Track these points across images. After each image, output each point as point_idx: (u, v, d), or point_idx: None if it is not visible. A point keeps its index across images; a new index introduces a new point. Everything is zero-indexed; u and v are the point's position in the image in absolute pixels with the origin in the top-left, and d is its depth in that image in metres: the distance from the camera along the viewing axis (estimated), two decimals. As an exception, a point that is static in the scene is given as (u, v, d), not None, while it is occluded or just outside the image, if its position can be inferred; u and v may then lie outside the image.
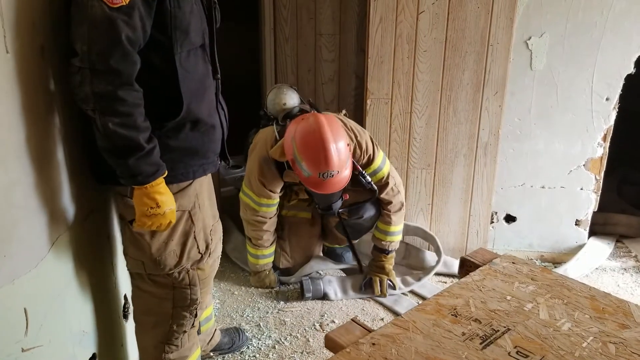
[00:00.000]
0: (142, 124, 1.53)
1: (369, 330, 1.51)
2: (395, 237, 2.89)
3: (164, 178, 1.63)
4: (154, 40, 1.55)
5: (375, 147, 2.69)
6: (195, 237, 1.82)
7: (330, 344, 1.51)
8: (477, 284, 1.72)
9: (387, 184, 2.74)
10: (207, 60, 1.75)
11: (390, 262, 2.92)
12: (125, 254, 1.86)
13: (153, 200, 1.59)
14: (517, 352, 1.41)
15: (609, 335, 1.49)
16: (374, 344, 1.44)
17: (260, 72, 4.58)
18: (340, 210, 2.77)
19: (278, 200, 2.81)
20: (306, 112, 2.67)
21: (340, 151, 2.32)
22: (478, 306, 1.60)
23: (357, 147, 2.62)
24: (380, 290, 2.88)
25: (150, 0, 1.49)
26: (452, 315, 1.56)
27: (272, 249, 2.97)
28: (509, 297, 1.65)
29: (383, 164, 2.72)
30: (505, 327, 1.51)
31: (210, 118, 1.76)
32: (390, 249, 2.90)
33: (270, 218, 2.84)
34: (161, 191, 1.61)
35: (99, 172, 1.71)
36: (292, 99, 2.87)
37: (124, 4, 1.42)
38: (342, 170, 2.36)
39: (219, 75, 1.84)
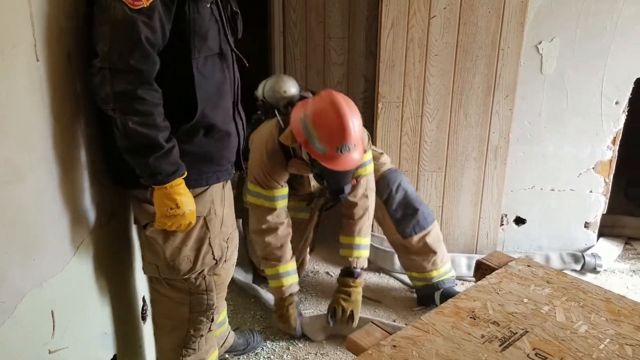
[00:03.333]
0: (161, 123, 1.55)
1: (389, 333, 1.54)
2: (362, 251, 2.64)
3: None
4: (172, 45, 1.56)
5: (369, 143, 2.62)
6: (210, 243, 1.83)
7: (352, 346, 1.53)
8: (494, 287, 1.75)
9: (358, 182, 2.57)
10: (225, 68, 1.75)
11: (358, 290, 2.62)
12: (142, 257, 1.88)
13: (173, 201, 1.61)
14: (535, 354, 1.44)
15: (625, 338, 1.51)
16: (394, 346, 1.47)
17: (269, 74, 4.61)
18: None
19: (287, 192, 2.58)
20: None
21: (356, 125, 2.21)
22: (496, 309, 1.63)
23: None
24: (342, 322, 2.56)
25: (170, 4, 1.52)
26: (470, 317, 1.59)
27: (294, 264, 2.63)
28: (525, 300, 1.67)
29: (369, 162, 2.63)
30: (523, 329, 1.54)
31: (225, 125, 1.77)
32: (358, 268, 2.62)
33: (284, 222, 2.56)
34: (181, 192, 1.63)
35: (118, 175, 1.74)
36: (292, 87, 2.69)
37: (145, 5, 1.45)
38: (358, 144, 2.24)
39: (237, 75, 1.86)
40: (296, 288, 2.62)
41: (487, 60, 2.95)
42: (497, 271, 1.84)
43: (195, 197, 1.73)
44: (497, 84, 2.98)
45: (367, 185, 2.63)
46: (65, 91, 1.53)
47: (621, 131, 3.13)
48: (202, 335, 1.95)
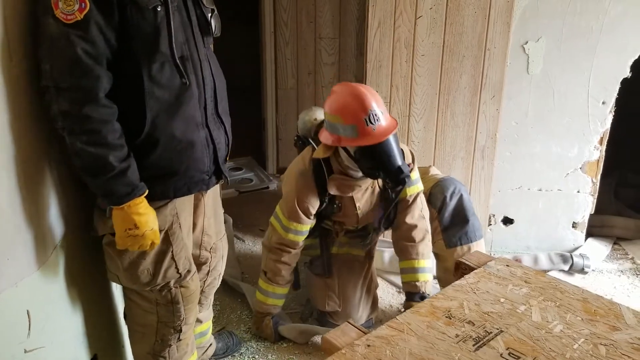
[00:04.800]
0: (114, 142, 1.49)
1: (365, 332, 1.54)
2: (427, 274, 2.52)
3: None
4: (121, 54, 1.51)
5: (414, 161, 2.50)
6: (173, 258, 1.77)
7: (327, 345, 1.53)
8: (472, 286, 1.75)
9: (414, 202, 2.48)
10: (191, 73, 1.66)
11: None
12: (106, 266, 1.83)
13: (131, 222, 1.56)
14: (509, 354, 1.43)
15: (600, 337, 1.51)
16: (368, 345, 1.47)
17: (260, 74, 4.62)
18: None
19: (307, 230, 2.51)
20: None
21: (377, 99, 2.16)
22: (472, 308, 1.63)
23: None
24: None
25: (109, 11, 1.45)
26: (446, 317, 1.59)
27: (286, 290, 2.62)
28: (502, 300, 1.67)
29: (418, 181, 2.51)
30: (498, 329, 1.54)
31: (186, 135, 1.66)
32: (425, 292, 2.49)
33: (294, 250, 2.53)
34: (140, 212, 1.57)
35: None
36: (321, 114, 2.67)
37: (79, 19, 1.40)
38: (384, 113, 2.16)
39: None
40: (277, 310, 2.64)
41: (473, 61, 2.95)
42: (475, 271, 1.84)
43: (155, 209, 1.67)
44: (483, 84, 2.98)
45: (422, 206, 2.53)
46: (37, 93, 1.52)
47: (608, 131, 3.13)
48: (170, 345, 1.91)
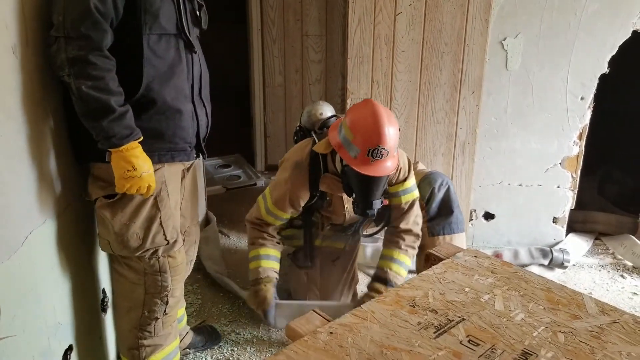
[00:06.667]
0: (114, 88, 1.64)
1: (329, 321, 1.57)
2: (403, 269, 2.55)
3: None
4: (125, 22, 1.66)
5: (410, 168, 2.56)
6: (161, 224, 1.87)
7: (291, 333, 1.55)
8: (438, 276, 1.77)
9: (410, 209, 2.55)
10: (184, 52, 1.84)
11: None
12: (97, 234, 1.94)
13: (129, 163, 1.68)
14: (468, 341, 1.46)
15: (559, 325, 1.54)
16: (331, 332, 1.49)
17: (248, 72, 4.64)
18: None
19: (287, 217, 2.55)
20: None
21: (392, 133, 2.17)
22: (436, 297, 1.65)
23: None
24: None
25: None
26: (410, 306, 1.61)
27: (278, 253, 2.61)
28: (467, 289, 1.70)
29: (414, 188, 2.57)
30: (460, 317, 1.56)
31: (175, 102, 1.82)
32: (393, 283, 2.51)
33: (270, 225, 2.57)
34: (137, 155, 1.70)
35: (79, 151, 1.83)
36: (328, 111, 2.77)
37: None
38: (391, 152, 2.20)
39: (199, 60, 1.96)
40: (274, 275, 2.56)
41: (452, 57, 2.98)
42: (443, 261, 1.86)
43: None
44: (463, 80, 3.01)
45: (417, 212, 2.59)
46: (13, 83, 1.54)
47: (587, 127, 3.16)
48: (157, 318, 1.98)
